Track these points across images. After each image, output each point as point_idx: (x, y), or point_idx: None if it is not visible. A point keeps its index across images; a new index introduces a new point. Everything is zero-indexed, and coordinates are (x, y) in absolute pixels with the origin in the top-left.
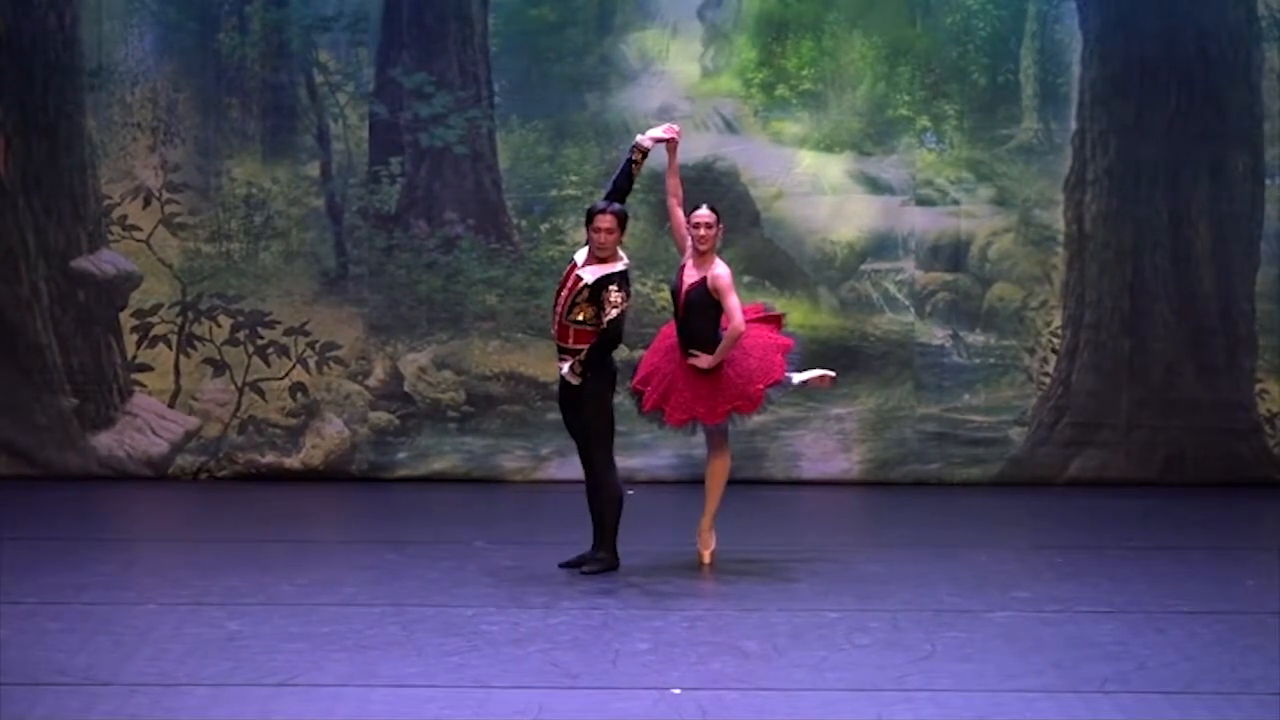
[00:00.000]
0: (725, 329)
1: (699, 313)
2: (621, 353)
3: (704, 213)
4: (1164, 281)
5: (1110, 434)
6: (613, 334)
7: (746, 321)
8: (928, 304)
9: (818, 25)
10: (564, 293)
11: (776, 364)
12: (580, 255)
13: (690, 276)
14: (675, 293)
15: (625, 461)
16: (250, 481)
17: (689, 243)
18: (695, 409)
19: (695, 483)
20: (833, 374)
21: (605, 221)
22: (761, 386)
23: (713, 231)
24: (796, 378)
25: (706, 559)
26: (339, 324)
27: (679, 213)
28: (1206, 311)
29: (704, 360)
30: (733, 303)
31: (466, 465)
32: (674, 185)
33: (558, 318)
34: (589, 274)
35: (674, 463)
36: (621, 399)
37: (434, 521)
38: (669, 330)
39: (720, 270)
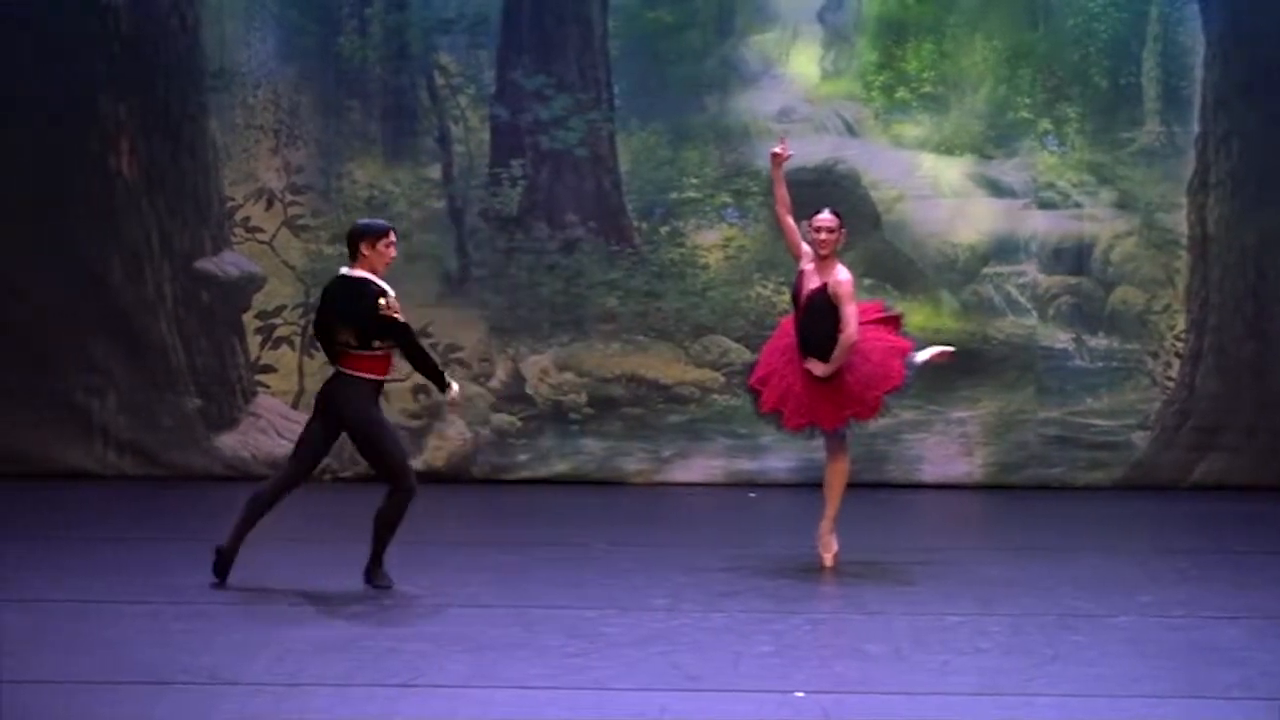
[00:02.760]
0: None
1: (820, 317)
2: (741, 353)
3: (825, 217)
4: None
5: (1234, 438)
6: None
7: (865, 321)
8: (1050, 307)
9: (938, 28)
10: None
11: (895, 369)
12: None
13: (812, 281)
14: (795, 296)
15: (746, 464)
16: (373, 483)
17: (804, 248)
18: (814, 414)
19: (815, 485)
20: (951, 349)
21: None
22: (879, 393)
23: (834, 236)
24: (919, 357)
25: (828, 562)
26: (461, 326)
27: (789, 220)
28: None
29: (819, 368)
30: (850, 311)
31: (588, 467)
32: (781, 194)
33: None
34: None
35: (794, 465)
36: (741, 400)
37: (555, 523)
38: (787, 326)
39: (842, 276)
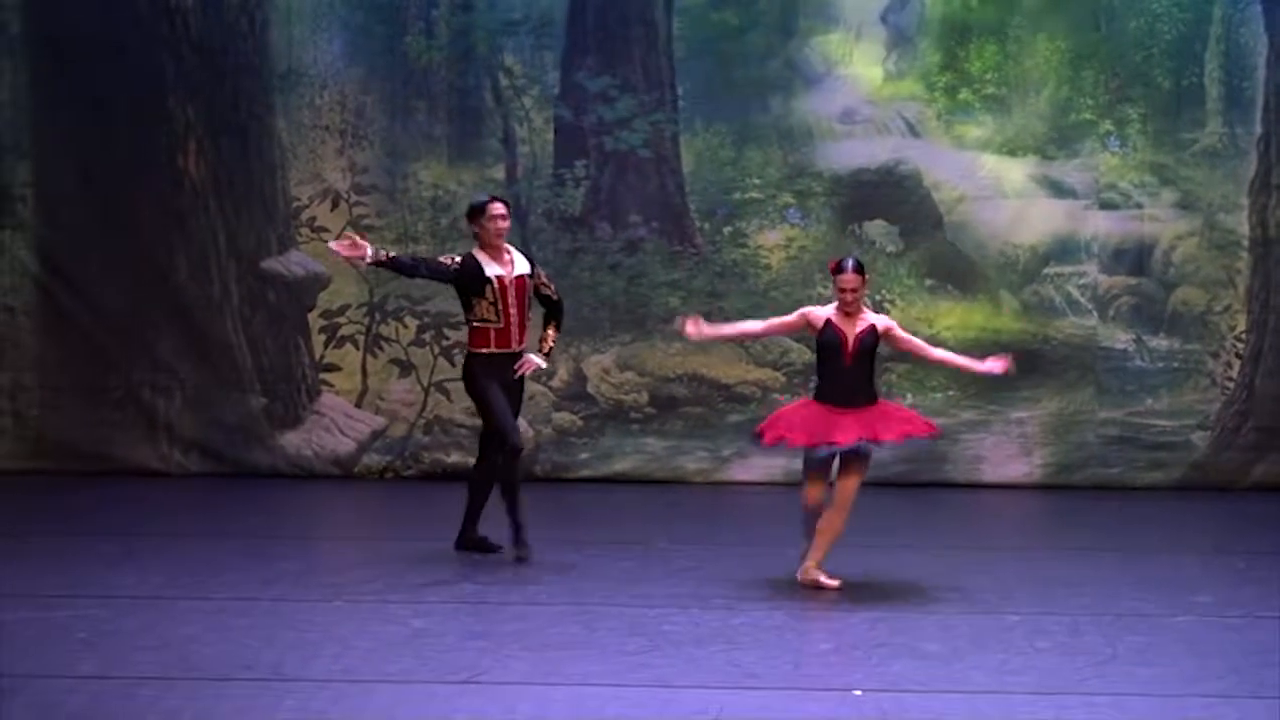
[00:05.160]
0: (922, 349)
1: (870, 360)
2: (803, 354)
3: (849, 276)
4: None
5: None
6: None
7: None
8: (1110, 308)
9: (1001, 29)
10: (515, 297)
11: (927, 423)
12: (497, 266)
13: (850, 326)
14: (836, 345)
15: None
16: (435, 481)
17: (800, 313)
18: (871, 430)
19: (876, 485)
20: None
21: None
22: (929, 424)
23: (860, 292)
24: None
25: (836, 584)
26: None
27: (759, 330)
28: None
29: None
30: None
31: (648, 466)
32: (740, 334)
33: (517, 324)
34: (522, 266)
35: None
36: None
37: (616, 522)
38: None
39: (888, 320)
